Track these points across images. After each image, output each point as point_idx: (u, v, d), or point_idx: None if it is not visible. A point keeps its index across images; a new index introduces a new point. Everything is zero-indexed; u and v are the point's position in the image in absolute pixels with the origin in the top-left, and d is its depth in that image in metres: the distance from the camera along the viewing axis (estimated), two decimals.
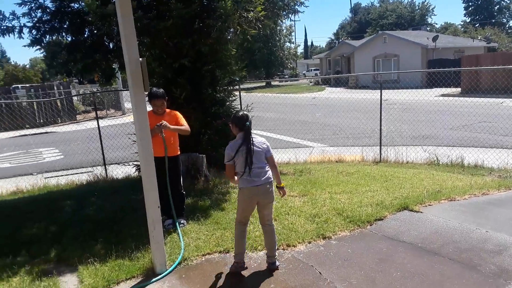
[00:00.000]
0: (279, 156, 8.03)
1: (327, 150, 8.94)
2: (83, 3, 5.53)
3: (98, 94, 18.79)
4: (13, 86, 28.48)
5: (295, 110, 17.04)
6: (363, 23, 64.54)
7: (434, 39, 29.33)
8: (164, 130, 3.98)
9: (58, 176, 7.68)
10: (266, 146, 3.21)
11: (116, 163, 8.05)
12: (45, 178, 7.46)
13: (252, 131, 3.17)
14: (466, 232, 3.84)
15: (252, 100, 7.98)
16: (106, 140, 7.84)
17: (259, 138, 3.23)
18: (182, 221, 4.29)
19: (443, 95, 19.48)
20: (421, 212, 4.39)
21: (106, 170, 7.29)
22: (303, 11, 7.62)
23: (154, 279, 3.25)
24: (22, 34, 5.77)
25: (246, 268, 3.31)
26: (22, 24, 5.74)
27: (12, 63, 59.39)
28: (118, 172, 7.36)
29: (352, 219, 4.19)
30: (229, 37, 6.22)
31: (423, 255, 3.43)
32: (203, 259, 3.57)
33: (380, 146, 7.67)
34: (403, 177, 5.89)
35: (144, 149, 3.21)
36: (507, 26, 56.28)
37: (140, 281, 3.25)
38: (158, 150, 3.87)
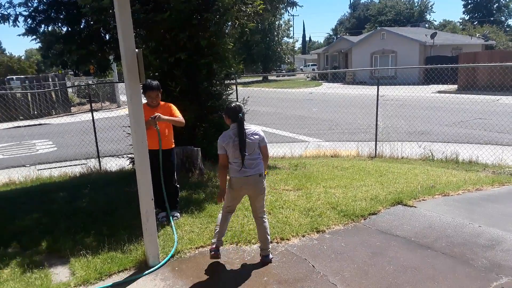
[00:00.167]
0: (274, 150, 8.01)
1: (323, 145, 8.94)
2: None
3: (93, 86, 18.66)
4: (8, 77, 28.15)
5: (291, 105, 17.01)
6: (362, 19, 64.41)
7: (432, 36, 29.32)
8: (159, 123, 3.94)
9: (51, 168, 7.62)
10: (259, 136, 3.19)
11: (110, 156, 8.00)
12: (38, 170, 7.40)
13: (247, 123, 3.16)
14: (459, 227, 3.85)
15: (249, 94, 7.94)
16: (101, 132, 7.77)
17: (253, 128, 3.20)
18: (175, 214, 4.27)
19: (439, 92, 19.54)
20: (415, 206, 4.41)
21: (100, 162, 7.23)
22: (302, 6, 7.55)
23: (146, 272, 3.23)
24: (17, 22, 5.72)
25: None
26: (17, 13, 5.70)
27: (7, 54, 58.63)
28: (112, 164, 7.31)
29: (346, 213, 4.19)
30: (226, 31, 6.17)
31: (416, 249, 3.44)
32: (197, 252, 3.56)
33: (376, 141, 7.67)
34: (397, 172, 5.90)
35: (139, 141, 3.18)
36: (505, 24, 56.43)
37: (133, 274, 3.23)
38: (152, 143, 3.83)
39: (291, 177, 5.73)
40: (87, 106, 18.09)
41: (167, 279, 3.14)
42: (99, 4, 4.87)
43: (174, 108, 4.24)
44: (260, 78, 41.31)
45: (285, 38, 45.74)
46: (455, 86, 20.56)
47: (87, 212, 4.56)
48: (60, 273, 3.29)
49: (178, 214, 4.30)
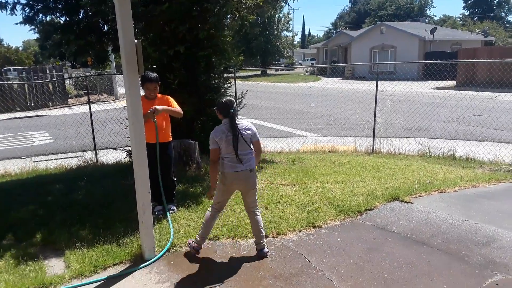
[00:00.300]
0: (272, 145, 7.99)
1: (320, 140, 8.92)
2: None
3: (91, 78, 18.52)
4: (5, 68, 27.97)
5: (290, 99, 16.96)
6: (362, 13, 64.08)
7: (432, 31, 29.20)
8: (156, 116, 3.91)
9: (47, 160, 7.58)
10: (251, 131, 3.18)
11: (107, 148, 7.96)
12: (34, 161, 7.35)
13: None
14: (455, 223, 3.86)
15: (247, 88, 7.89)
16: (98, 124, 7.72)
17: (244, 123, 3.19)
18: (172, 208, 4.26)
19: (437, 88, 19.50)
20: (411, 203, 4.41)
21: (96, 155, 7.20)
22: None
23: (142, 265, 3.23)
24: (15, 11, 5.64)
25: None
26: (15, 1, 5.61)
27: (5, 45, 58.06)
28: (109, 157, 7.28)
29: (343, 209, 4.19)
30: (226, 23, 6.10)
31: (412, 245, 3.45)
32: None
33: (374, 137, 7.66)
34: (394, 168, 5.91)
35: (136, 134, 3.15)
36: (505, 20, 56.31)
37: (128, 267, 3.22)
38: (150, 136, 3.81)
39: (288, 172, 5.72)
40: (85, 98, 18.02)
41: (162, 272, 3.14)
42: None
43: (172, 100, 4.20)
44: (259, 72, 41.10)
45: (285, 32, 45.48)
46: (454, 82, 20.53)
47: (83, 205, 4.54)
48: (55, 265, 3.28)
49: (175, 208, 4.29)
